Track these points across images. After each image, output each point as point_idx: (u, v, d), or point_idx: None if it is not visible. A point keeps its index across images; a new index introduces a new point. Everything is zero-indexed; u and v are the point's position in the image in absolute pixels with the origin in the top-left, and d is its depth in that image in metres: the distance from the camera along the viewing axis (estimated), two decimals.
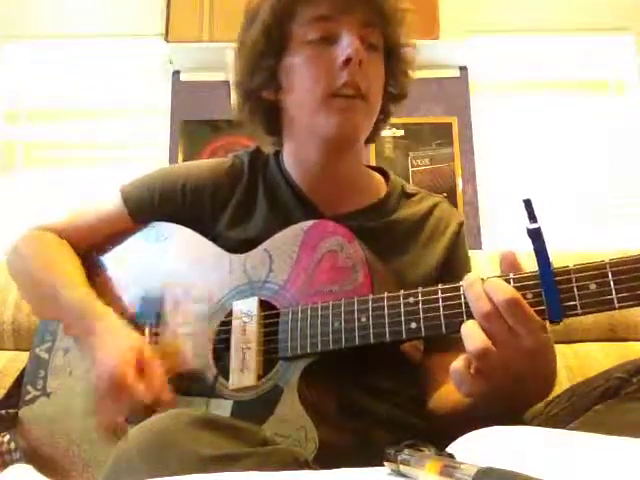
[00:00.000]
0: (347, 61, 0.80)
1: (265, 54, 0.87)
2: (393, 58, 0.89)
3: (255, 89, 0.89)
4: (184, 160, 2.52)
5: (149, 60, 2.75)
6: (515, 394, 0.65)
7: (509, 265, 0.64)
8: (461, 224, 0.95)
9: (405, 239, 0.90)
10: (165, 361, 0.79)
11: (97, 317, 0.82)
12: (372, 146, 2.58)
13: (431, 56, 2.53)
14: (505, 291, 0.59)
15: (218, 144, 2.58)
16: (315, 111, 0.83)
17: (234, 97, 0.93)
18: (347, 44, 0.81)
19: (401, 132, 2.62)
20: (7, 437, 0.86)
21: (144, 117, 2.72)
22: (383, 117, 0.94)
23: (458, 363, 0.62)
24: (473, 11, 2.70)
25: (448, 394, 0.82)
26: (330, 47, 0.83)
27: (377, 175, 0.98)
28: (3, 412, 0.89)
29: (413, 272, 0.86)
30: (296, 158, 0.92)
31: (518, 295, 0.59)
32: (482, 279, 0.63)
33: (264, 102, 0.90)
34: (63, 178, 2.61)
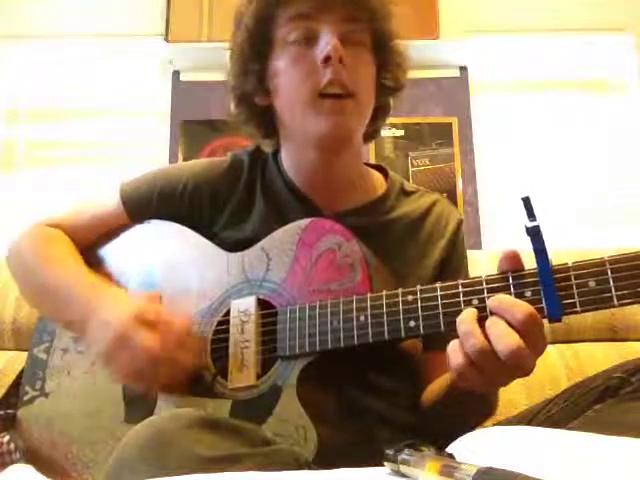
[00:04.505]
0: (327, 59, 0.80)
1: (251, 59, 0.87)
2: (382, 51, 0.88)
3: (247, 94, 0.90)
4: (184, 160, 2.52)
5: (149, 60, 2.75)
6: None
7: (510, 262, 0.64)
8: (460, 222, 0.95)
9: (404, 237, 0.90)
10: None
11: (97, 293, 0.82)
12: (372, 146, 2.58)
13: (431, 56, 2.53)
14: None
15: (218, 144, 2.58)
16: (304, 114, 0.83)
17: (228, 100, 0.94)
18: (326, 42, 0.80)
19: (401, 132, 2.62)
20: (7, 438, 0.86)
21: (144, 117, 2.73)
22: (382, 111, 0.93)
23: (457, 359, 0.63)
24: (473, 11, 2.70)
25: (432, 386, 0.83)
26: (312, 47, 0.82)
27: (376, 173, 0.98)
28: (2, 413, 0.89)
29: (413, 270, 0.86)
30: (293, 159, 0.92)
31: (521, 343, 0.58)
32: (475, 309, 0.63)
33: (257, 107, 0.90)
34: (63, 178, 2.61)
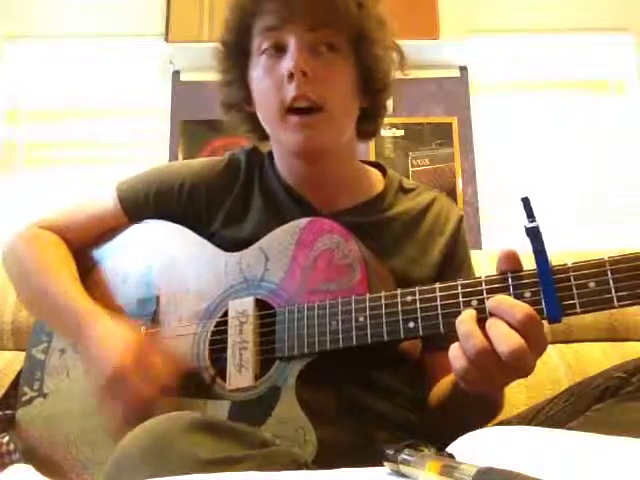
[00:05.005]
0: (290, 75, 0.79)
1: (232, 69, 0.88)
2: (361, 54, 0.86)
3: (235, 102, 0.91)
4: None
5: (149, 60, 2.75)
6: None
7: (508, 262, 0.64)
8: (460, 219, 0.95)
9: (403, 235, 0.89)
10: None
11: (91, 320, 0.82)
12: (372, 146, 2.58)
13: (431, 56, 2.53)
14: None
15: (218, 144, 2.58)
16: (275, 127, 0.84)
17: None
18: (289, 57, 0.80)
19: (401, 132, 2.62)
20: (6, 438, 0.86)
21: (144, 117, 2.72)
22: (375, 112, 0.92)
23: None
24: (473, 11, 2.70)
25: (437, 389, 0.82)
26: (280, 59, 0.82)
27: (374, 171, 0.98)
28: (1, 413, 0.89)
29: (413, 270, 0.86)
30: (283, 163, 0.92)
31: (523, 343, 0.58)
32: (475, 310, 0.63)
33: (246, 113, 0.91)
34: (63, 178, 2.61)
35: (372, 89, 0.89)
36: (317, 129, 0.82)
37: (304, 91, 0.80)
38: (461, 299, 0.65)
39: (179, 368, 0.78)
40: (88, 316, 0.83)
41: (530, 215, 0.62)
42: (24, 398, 0.89)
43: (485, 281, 0.65)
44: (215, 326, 0.80)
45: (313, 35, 0.81)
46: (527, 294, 0.62)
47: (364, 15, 0.85)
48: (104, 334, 0.80)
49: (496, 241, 2.50)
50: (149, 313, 0.86)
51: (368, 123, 0.92)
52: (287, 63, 0.80)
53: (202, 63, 2.48)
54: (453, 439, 0.54)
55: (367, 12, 0.85)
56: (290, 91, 0.80)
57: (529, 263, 0.63)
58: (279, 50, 0.82)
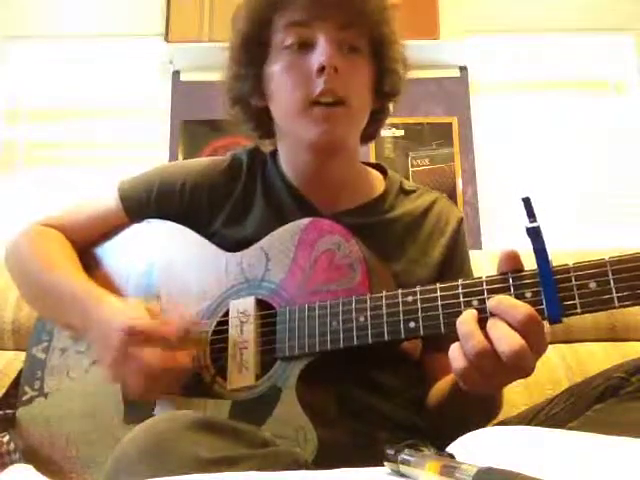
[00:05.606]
0: (321, 69, 0.80)
1: (247, 62, 0.88)
2: (379, 57, 0.88)
3: (243, 97, 0.90)
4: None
5: (149, 60, 2.76)
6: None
7: (509, 262, 0.64)
8: (460, 220, 0.95)
9: (404, 236, 0.89)
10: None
11: (98, 302, 0.81)
12: (372, 146, 2.58)
13: (431, 56, 2.53)
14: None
15: (218, 144, 2.58)
16: (296, 120, 0.84)
17: (224, 101, 0.94)
18: (321, 52, 0.81)
19: (401, 132, 2.63)
20: (6, 438, 0.86)
21: (144, 117, 2.73)
22: (380, 115, 0.93)
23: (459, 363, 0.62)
24: (473, 11, 2.70)
25: (436, 389, 0.83)
26: (307, 54, 0.82)
27: (375, 172, 0.98)
28: (1, 413, 0.89)
29: (414, 271, 0.86)
30: (289, 160, 0.92)
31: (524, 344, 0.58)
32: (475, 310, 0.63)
33: (253, 109, 0.91)
34: (63, 177, 2.61)
35: (384, 91, 0.90)
36: (339, 122, 0.82)
37: (333, 86, 0.80)
38: (462, 299, 0.65)
39: (182, 326, 0.77)
40: (94, 299, 0.82)
41: (531, 215, 0.62)
42: (25, 397, 0.89)
43: (486, 281, 0.65)
44: (216, 326, 0.81)
45: (340, 34, 0.82)
46: (528, 294, 0.62)
47: (386, 19, 0.86)
48: (111, 312, 0.79)
49: (496, 241, 2.50)
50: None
51: (372, 125, 0.92)
52: (318, 57, 0.80)
53: (202, 63, 2.52)
54: (453, 439, 0.54)
55: (388, 16, 0.87)
56: (319, 85, 0.80)
57: (530, 263, 0.63)
58: (303, 46, 0.83)
